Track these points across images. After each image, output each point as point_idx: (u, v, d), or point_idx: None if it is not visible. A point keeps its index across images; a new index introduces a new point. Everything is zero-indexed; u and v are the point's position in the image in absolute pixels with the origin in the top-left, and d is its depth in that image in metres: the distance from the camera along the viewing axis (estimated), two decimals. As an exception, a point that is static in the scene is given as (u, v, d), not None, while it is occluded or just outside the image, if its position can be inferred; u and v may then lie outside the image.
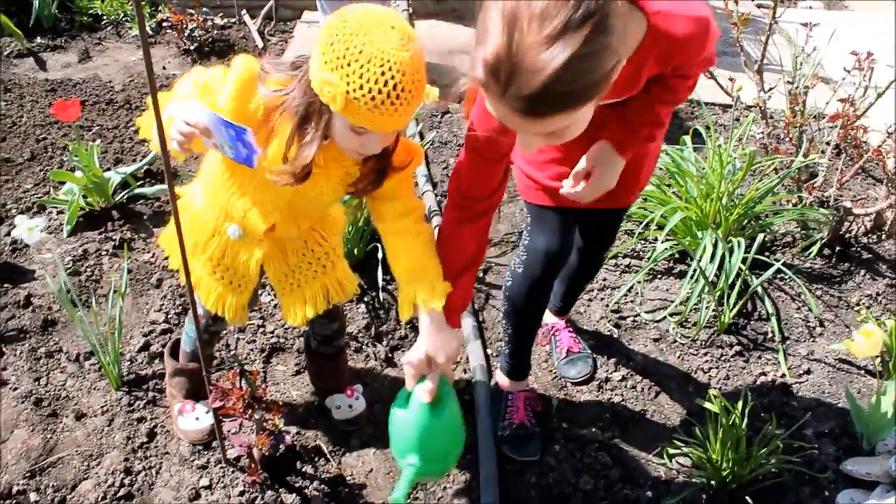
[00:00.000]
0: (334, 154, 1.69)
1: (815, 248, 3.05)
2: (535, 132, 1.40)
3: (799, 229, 3.06)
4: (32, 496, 2.15)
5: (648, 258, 2.92)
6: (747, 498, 2.15)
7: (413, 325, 2.69)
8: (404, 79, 1.44)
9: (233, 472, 2.19)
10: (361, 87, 1.43)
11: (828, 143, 3.08)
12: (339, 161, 1.72)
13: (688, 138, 3.16)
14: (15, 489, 2.16)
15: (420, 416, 1.73)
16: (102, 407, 2.38)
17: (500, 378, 2.43)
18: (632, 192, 2.12)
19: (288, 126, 1.61)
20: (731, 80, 3.15)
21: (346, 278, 2.06)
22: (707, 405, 2.21)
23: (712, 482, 2.20)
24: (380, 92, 1.43)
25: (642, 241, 3.08)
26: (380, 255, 2.73)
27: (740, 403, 2.18)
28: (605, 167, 1.82)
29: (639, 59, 1.61)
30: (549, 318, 2.64)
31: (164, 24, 4.47)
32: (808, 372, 2.62)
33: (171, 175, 1.60)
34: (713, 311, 2.72)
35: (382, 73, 1.42)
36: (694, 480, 2.24)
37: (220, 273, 1.95)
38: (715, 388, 2.52)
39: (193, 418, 2.29)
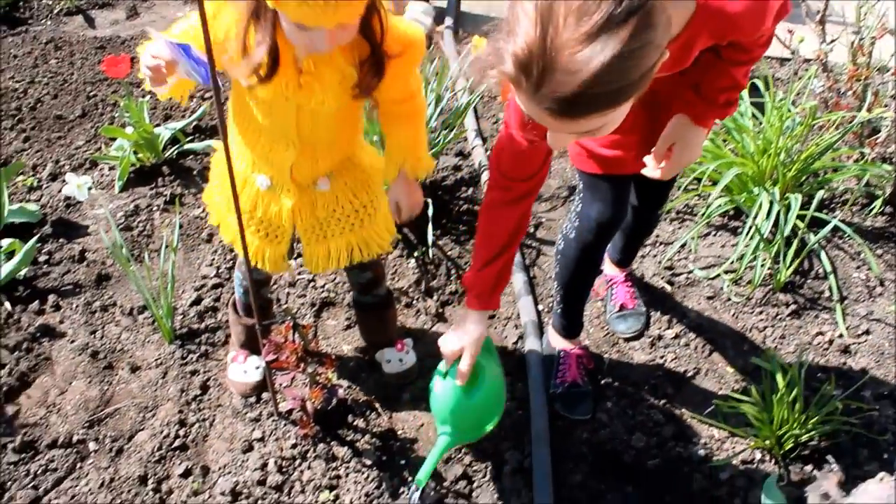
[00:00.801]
0: (324, 58, 1.66)
1: (876, 206, 2.96)
2: (568, 132, 1.32)
3: (860, 186, 2.96)
4: (91, 445, 2.20)
5: (703, 214, 2.86)
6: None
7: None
8: None
9: (285, 424, 2.21)
10: None
11: (893, 98, 2.97)
12: (331, 64, 1.68)
13: (745, 93, 3.06)
14: (75, 438, 2.21)
15: (454, 395, 1.88)
16: (156, 360, 2.41)
17: (553, 335, 2.41)
18: None
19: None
20: (790, 31, 3.04)
21: (379, 236, 2.04)
22: (762, 364, 2.18)
23: (766, 442, 2.17)
24: None
25: (696, 197, 3.01)
26: (430, 211, 2.70)
27: (797, 363, 2.14)
28: (686, 142, 1.78)
29: (687, 38, 1.52)
30: (609, 269, 2.61)
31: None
32: (866, 332, 2.56)
33: (224, 128, 1.59)
34: (768, 269, 2.66)
35: None
36: (748, 441, 2.21)
37: (255, 225, 1.95)
38: (770, 348, 2.47)
39: (241, 371, 2.31)
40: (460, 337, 1.87)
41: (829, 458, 2.15)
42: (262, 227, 1.96)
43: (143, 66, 1.59)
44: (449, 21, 4.00)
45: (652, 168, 1.84)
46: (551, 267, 2.75)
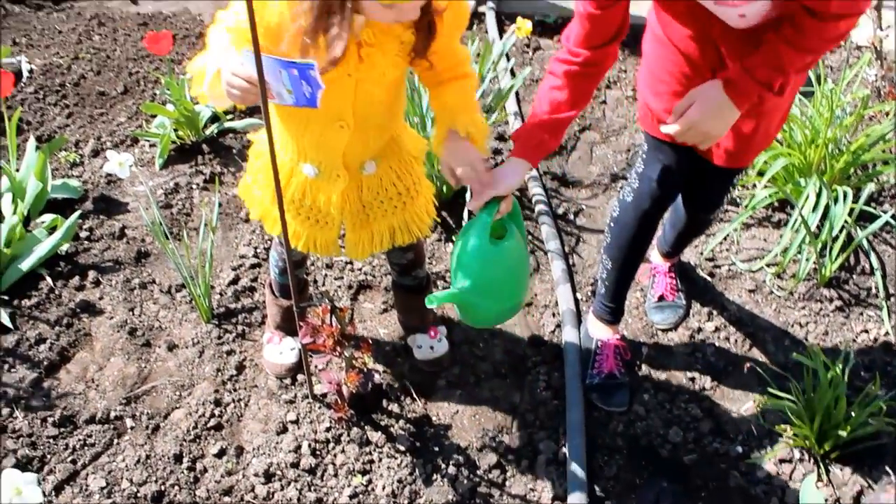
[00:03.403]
0: (382, 27, 1.63)
1: (927, 200, 2.88)
2: None
3: (910, 179, 2.89)
4: (129, 422, 2.22)
5: (746, 205, 2.80)
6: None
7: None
8: None
9: (319, 407, 2.21)
10: None
11: (948, 88, 2.89)
12: (390, 32, 1.65)
13: (793, 80, 2.99)
14: (112, 414, 2.23)
15: (478, 240, 1.75)
16: (193, 339, 2.43)
17: (592, 323, 2.38)
18: (746, 153, 1.97)
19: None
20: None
21: (419, 219, 2.03)
22: (804, 361, 2.13)
23: (806, 441, 2.13)
24: None
25: (740, 188, 2.95)
26: (468, 195, 2.67)
27: (840, 361, 2.09)
28: (706, 105, 1.70)
29: None
30: (655, 257, 2.58)
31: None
32: (914, 330, 2.50)
33: (268, 118, 1.58)
34: (813, 263, 2.60)
35: None
36: (787, 438, 2.17)
37: (305, 214, 1.94)
38: (813, 344, 2.42)
39: (277, 352, 2.32)
40: (496, 181, 1.82)
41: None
42: (312, 214, 1.94)
43: (225, 85, 1.57)
44: (491, 3, 3.95)
45: (668, 123, 1.79)
46: (591, 255, 2.73)
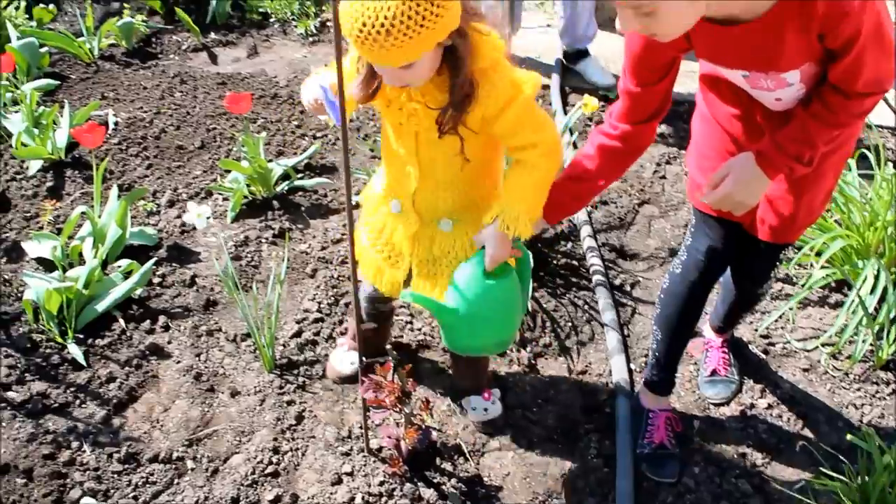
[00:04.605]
0: (424, 87, 1.78)
1: None
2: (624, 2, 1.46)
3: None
4: (189, 463, 2.29)
5: (802, 285, 2.82)
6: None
7: (557, 333, 2.71)
8: (374, 15, 1.54)
9: (374, 461, 2.26)
10: (351, 25, 1.58)
11: None
12: (428, 94, 1.79)
13: (853, 161, 3.02)
14: (174, 455, 2.31)
15: (472, 268, 1.88)
16: (255, 387, 2.51)
17: (643, 394, 2.41)
18: (790, 229, 2.01)
19: None
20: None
21: None
22: (858, 443, 2.13)
23: (860, 524, 2.11)
24: (360, 29, 1.56)
25: (797, 266, 2.97)
26: (530, 262, 2.74)
27: (896, 445, 2.09)
28: (739, 175, 1.77)
29: (776, 23, 1.53)
30: (708, 332, 2.61)
31: (328, 23, 4.65)
32: (972, 419, 2.47)
33: (347, 160, 1.68)
34: (870, 345, 2.60)
35: (356, 10, 1.55)
36: (840, 521, 2.15)
37: (381, 246, 2.09)
38: (868, 426, 2.41)
39: (340, 359, 2.52)
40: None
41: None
42: (386, 249, 2.09)
43: (303, 91, 1.97)
44: (556, 76, 4.07)
45: (705, 192, 1.85)
46: (646, 327, 2.76)
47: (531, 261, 1.99)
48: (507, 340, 2.12)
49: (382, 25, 1.54)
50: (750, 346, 2.70)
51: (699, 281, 2.15)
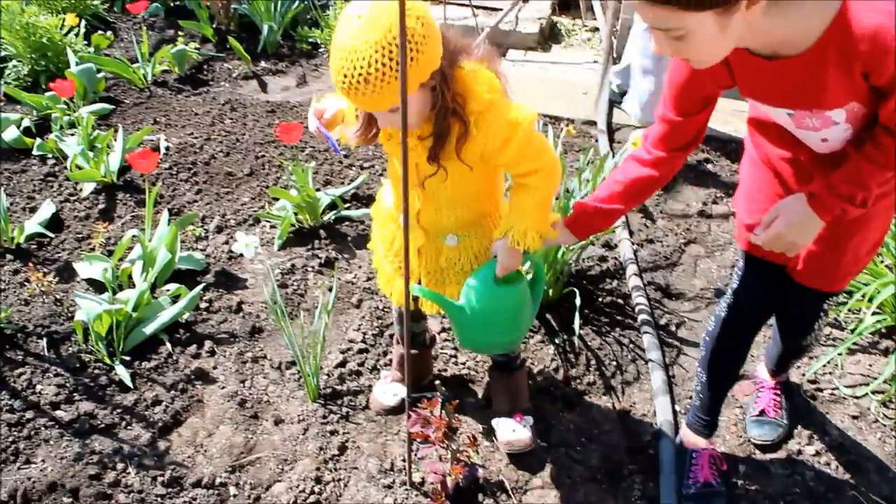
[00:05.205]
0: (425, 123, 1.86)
1: None
2: (653, 23, 1.47)
3: None
4: (232, 489, 2.30)
5: (852, 330, 2.77)
6: None
7: (601, 371, 2.69)
8: (352, 65, 1.61)
9: (416, 495, 2.25)
10: (335, 76, 1.66)
11: None
12: (428, 129, 1.86)
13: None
14: (217, 481, 2.32)
15: (484, 270, 1.99)
16: (299, 416, 2.52)
17: (686, 434, 2.39)
18: (836, 278, 1.99)
19: None
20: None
21: None
22: (913, 497, 2.08)
23: (912, 581, 2.06)
24: (342, 80, 1.64)
25: (847, 311, 2.93)
26: (577, 300, 2.74)
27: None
28: (790, 217, 1.75)
29: (818, 59, 1.52)
30: (762, 372, 2.58)
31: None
32: None
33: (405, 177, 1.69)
34: (923, 395, 2.55)
35: (338, 62, 1.63)
36: (892, 576, 2.11)
37: (391, 257, 2.16)
38: (921, 479, 2.36)
39: (383, 391, 2.54)
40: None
41: None
42: (397, 260, 2.16)
43: (310, 127, 2.03)
44: (603, 115, 4.07)
45: (756, 234, 1.83)
46: (691, 368, 2.73)
47: (544, 274, 2.10)
48: (514, 341, 2.26)
49: (360, 74, 1.62)
50: (798, 390, 2.66)
51: (742, 325, 2.14)
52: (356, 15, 1.61)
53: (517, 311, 2.07)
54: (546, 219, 2.01)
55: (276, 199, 3.38)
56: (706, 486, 2.28)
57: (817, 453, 2.46)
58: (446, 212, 2.03)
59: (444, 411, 1.97)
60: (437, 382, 1.98)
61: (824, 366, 2.74)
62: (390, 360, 2.66)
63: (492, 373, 2.47)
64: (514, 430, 2.38)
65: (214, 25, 4.97)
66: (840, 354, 2.76)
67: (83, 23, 4.65)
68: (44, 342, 2.73)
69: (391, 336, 2.79)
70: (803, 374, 2.71)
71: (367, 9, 1.61)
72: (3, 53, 4.35)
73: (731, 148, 3.81)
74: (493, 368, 2.45)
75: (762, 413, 2.51)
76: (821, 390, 2.68)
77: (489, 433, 2.47)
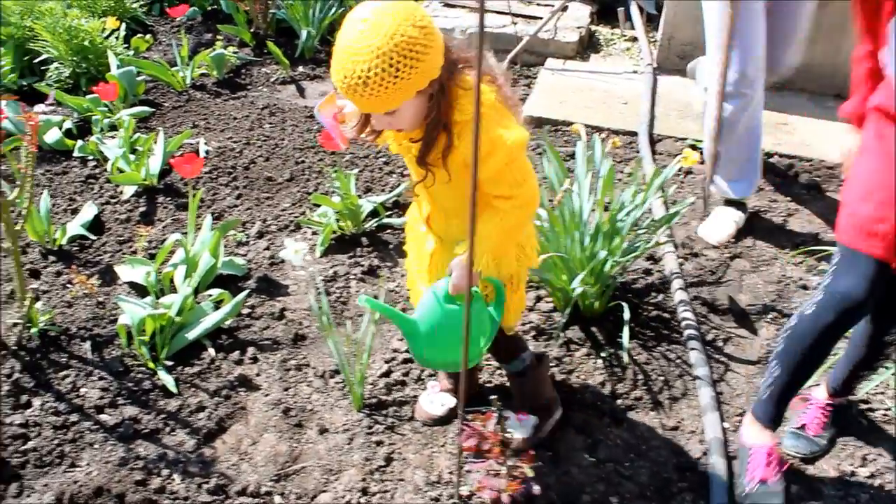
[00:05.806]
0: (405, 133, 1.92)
1: None
2: None
3: None
4: (277, 499, 2.29)
5: (905, 351, 2.72)
6: None
7: (648, 387, 2.65)
8: (353, 68, 1.66)
9: (464, 509, 2.23)
10: (335, 77, 1.71)
11: None
12: (404, 136, 1.93)
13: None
14: (262, 490, 2.30)
15: (436, 289, 1.97)
16: (344, 425, 2.50)
17: (747, 427, 2.37)
18: None
19: None
20: None
21: (506, 308, 2.07)
22: (973, 523, 2.03)
23: None
24: (342, 81, 1.69)
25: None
26: (626, 314, 2.71)
27: None
28: None
29: None
30: (819, 392, 2.53)
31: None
32: None
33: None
34: (978, 419, 2.50)
35: (339, 63, 1.68)
36: None
37: (415, 260, 2.23)
38: (979, 505, 2.31)
39: (429, 400, 2.53)
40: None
41: None
42: (417, 264, 2.22)
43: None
44: (644, 126, 4.03)
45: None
46: (739, 385, 2.70)
47: (504, 295, 2.04)
48: (460, 362, 2.17)
49: (360, 77, 1.67)
50: (851, 410, 2.61)
51: (833, 324, 2.06)
52: (361, 19, 1.67)
53: (464, 332, 1.92)
54: (507, 247, 2.02)
55: (317, 206, 3.37)
56: (763, 484, 2.25)
57: (872, 475, 2.41)
58: (453, 220, 2.06)
59: (498, 426, 1.95)
60: (494, 397, 1.95)
61: (876, 386, 2.69)
62: (435, 371, 2.63)
63: (507, 375, 2.48)
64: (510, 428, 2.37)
65: (252, 30, 4.98)
66: (893, 375, 2.70)
67: (123, 26, 4.67)
68: (87, 345, 2.74)
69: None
70: (855, 394, 2.66)
71: (371, 14, 1.66)
72: (45, 56, 4.37)
73: (785, 167, 3.75)
74: (507, 371, 2.46)
75: (802, 427, 2.47)
76: (872, 411, 2.63)
77: (537, 447, 2.44)
